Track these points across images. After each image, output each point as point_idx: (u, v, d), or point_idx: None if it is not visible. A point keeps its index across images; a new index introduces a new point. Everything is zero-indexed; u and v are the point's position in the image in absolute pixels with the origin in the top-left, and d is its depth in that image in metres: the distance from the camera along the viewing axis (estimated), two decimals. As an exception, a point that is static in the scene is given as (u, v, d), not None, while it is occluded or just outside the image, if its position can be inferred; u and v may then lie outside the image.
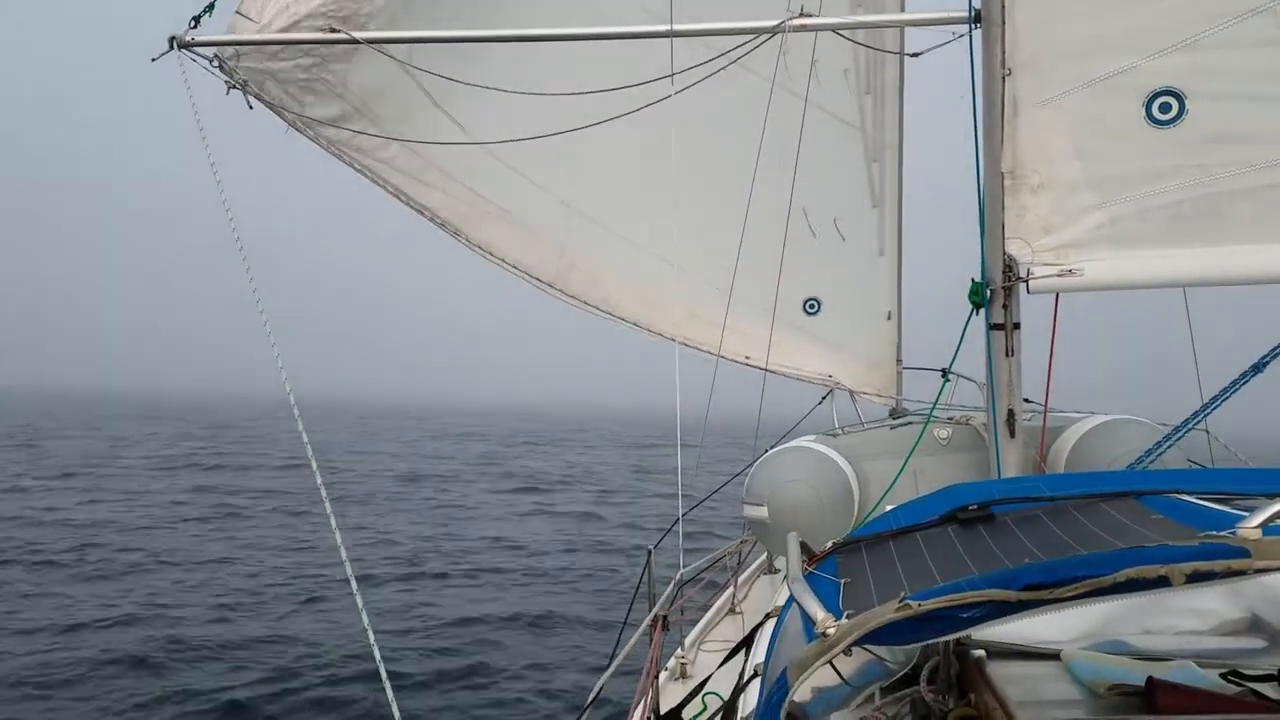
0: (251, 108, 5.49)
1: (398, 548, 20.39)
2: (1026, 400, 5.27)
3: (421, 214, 6.53)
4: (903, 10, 7.23)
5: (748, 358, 7.33)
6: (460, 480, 36.82)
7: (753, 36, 4.87)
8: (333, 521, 4.48)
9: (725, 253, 6.80)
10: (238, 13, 5.30)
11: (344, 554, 4.44)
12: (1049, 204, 4.68)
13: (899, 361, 8.03)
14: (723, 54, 4.97)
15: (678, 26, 4.93)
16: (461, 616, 14.30)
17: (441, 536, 22.13)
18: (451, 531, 23.01)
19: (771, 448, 6.05)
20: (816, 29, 5.21)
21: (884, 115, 7.60)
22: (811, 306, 7.81)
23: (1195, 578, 1.82)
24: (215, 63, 5.16)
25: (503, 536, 22.35)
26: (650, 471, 41.32)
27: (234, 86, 5.25)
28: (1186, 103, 4.42)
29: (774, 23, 4.86)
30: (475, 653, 12.51)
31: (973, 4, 4.68)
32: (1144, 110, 4.48)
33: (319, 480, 4.64)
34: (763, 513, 5.52)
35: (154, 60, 4.85)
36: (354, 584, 4.35)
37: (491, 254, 6.83)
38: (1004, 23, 4.56)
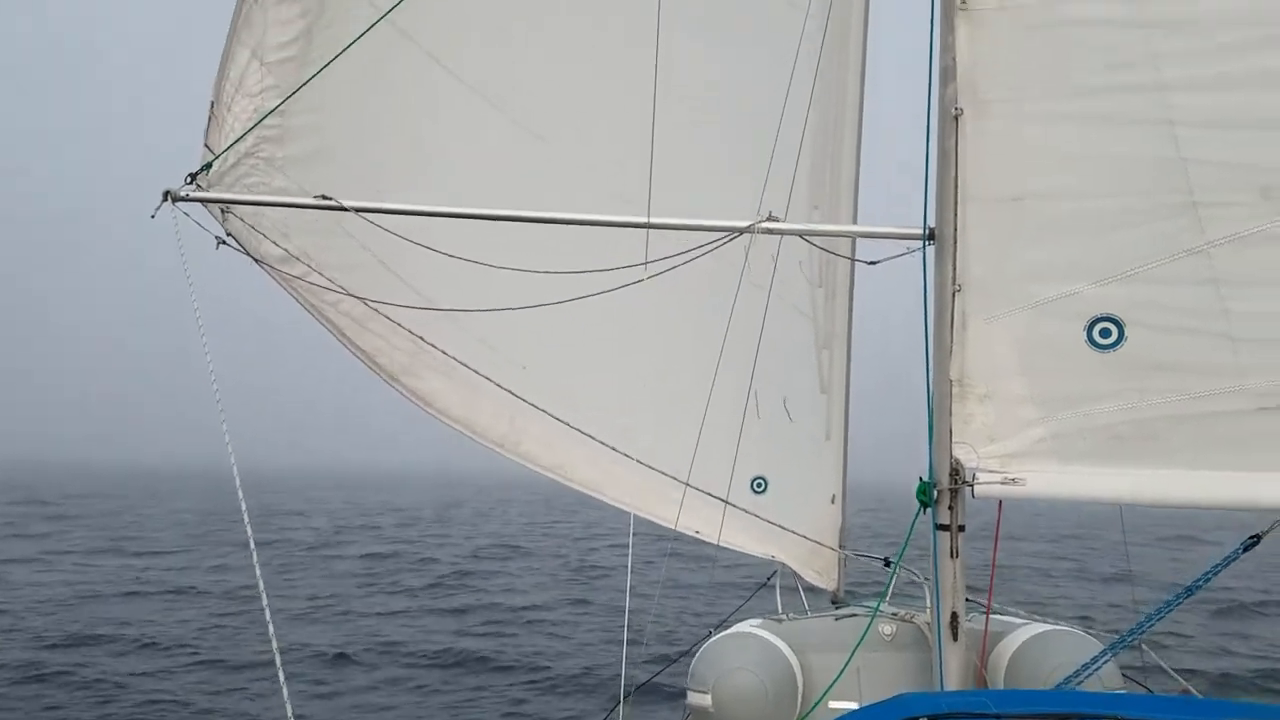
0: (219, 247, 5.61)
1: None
2: (969, 600, 5.36)
3: (357, 357, 6.48)
4: (855, 216, 7.71)
5: (698, 532, 7.40)
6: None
7: (723, 235, 5.15)
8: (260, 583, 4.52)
9: (682, 428, 6.93)
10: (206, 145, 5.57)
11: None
12: (994, 414, 4.86)
13: (842, 546, 8.13)
14: (695, 248, 5.22)
15: (654, 219, 5.20)
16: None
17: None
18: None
19: (715, 631, 6.04)
20: (783, 233, 5.51)
21: (834, 307, 7.96)
22: (758, 485, 7.93)
23: None
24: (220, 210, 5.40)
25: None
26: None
27: (223, 241, 5.42)
28: (1126, 330, 4.68)
29: (745, 224, 5.15)
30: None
31: (927, 223, 4.98)
32: (1085, 334, 4.73)
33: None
34: (706, 700, 5.46)
35: (153, 216, 4.97)
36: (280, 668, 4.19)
37: (434, 409, 6.77)
38: (956, 243, 4.85)
